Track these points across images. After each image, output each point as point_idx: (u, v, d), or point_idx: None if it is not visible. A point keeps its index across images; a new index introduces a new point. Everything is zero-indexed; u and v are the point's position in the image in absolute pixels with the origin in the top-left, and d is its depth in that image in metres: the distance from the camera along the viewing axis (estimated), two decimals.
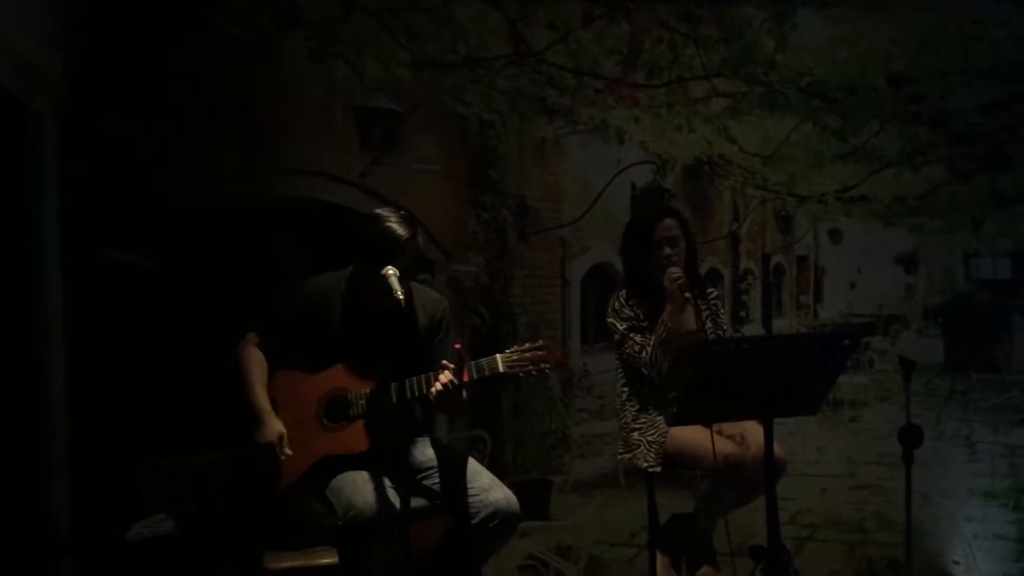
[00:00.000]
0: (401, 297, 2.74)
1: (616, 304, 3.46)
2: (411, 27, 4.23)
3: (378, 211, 3.02)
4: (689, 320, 3.38)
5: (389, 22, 4.17)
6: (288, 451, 2.94)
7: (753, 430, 3.20)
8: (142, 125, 4.05)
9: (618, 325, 3.42)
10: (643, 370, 3.34)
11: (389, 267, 2.81)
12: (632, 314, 3.42)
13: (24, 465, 3.59)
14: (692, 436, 3.26)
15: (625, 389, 3.49)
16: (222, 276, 4.45)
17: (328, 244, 3.72)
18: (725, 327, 3.61)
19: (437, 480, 3.06)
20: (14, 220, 3.59)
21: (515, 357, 2.90)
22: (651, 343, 3.31)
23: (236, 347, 3.10)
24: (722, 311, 3.63)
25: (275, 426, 2.95)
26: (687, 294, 3.32)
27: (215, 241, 4.46)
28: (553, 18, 4.35)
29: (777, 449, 2.86)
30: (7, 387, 3.53)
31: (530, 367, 2.90)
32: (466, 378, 2.85)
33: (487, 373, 2.90)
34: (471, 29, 4.33)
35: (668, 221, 3.42)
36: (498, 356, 2.90)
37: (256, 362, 3.06)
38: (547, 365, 2.91)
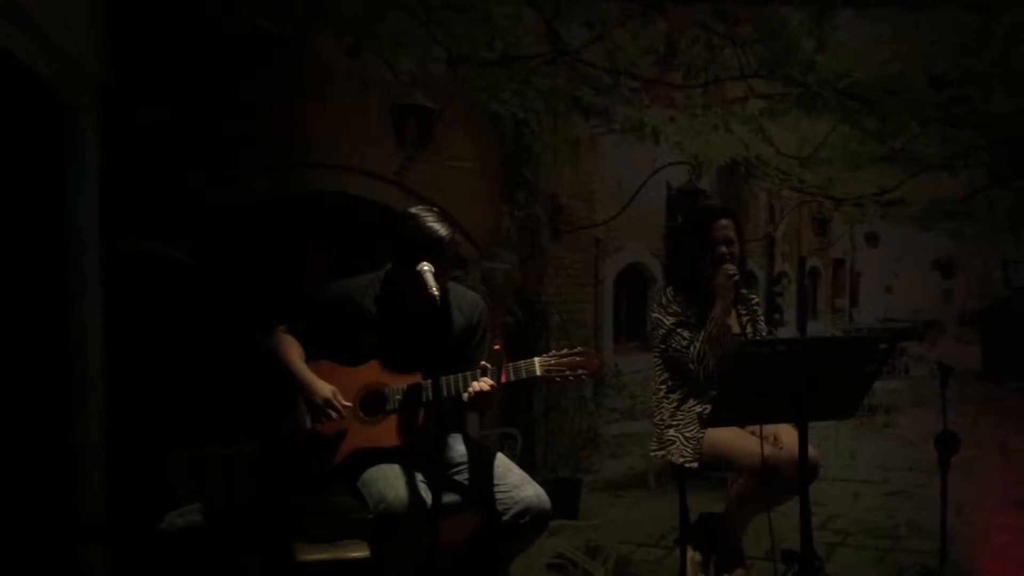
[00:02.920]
0: (436, 293, 2.75)
1: (663, 299, 3.48)
2: (447, 24, 4.24)
3: (416, 210, 3.03)
4: (733, 323, 3.40)
5: (425, 19, 4.19)
6: (347, 403, 2.97)
7: (786, 432, 3.19)
8: (178, 119, 4.10)
9: (665, 320, 3.44)
10: (689, 365, 3.35)
11: (424, 263, 2.83)
12: (680, 310, 3.43)
13: (60, 453, 3.65)
14: (727, 436, 3.27)
15: (663, 386, 3.50)
16: (257, 269, 4.49)
17: (361, 240, 3.75)
18: (763, 332, 3.62)
19: (468, 476, 3.08)
20: (54, 212, 3.65)
21: (553, 362, 2.90)
22: (699, 339, 3.32)
23: (268, 339, 3.13)
24: (761, 317, 3.63)
25: (324, 385, 2.98)
26: (742, 290, 3.36)
27: (250, 235, 4.50)
28: (589, 17, 4.34)
29: (810, 451, 2.84)
30: (46, 377, 3.59)
31: (567, 373, 2.90)
32: (503, 380, 2.86)
33: (524, 376, 2.91)
34: (507, 27, 4.33)
35: (724, 221, 3.46)
36: (536, 360, 2.91)
37: (291, 343, 3.10)
38: (584, 372, 2.92)
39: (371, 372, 3.02)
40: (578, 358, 2.90)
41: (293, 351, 3.08)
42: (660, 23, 4.40)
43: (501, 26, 4.26)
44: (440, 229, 2.93)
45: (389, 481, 2.86)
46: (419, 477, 2.92)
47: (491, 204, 6.01)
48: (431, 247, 2.90)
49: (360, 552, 3.08)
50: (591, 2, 4.37)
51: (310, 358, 3.10)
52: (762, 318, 3.66)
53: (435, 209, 3.05)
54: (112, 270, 3.84)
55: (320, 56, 4.63)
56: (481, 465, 3.05)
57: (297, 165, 4.71)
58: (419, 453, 2.93)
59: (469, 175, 5.75)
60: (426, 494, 2.84)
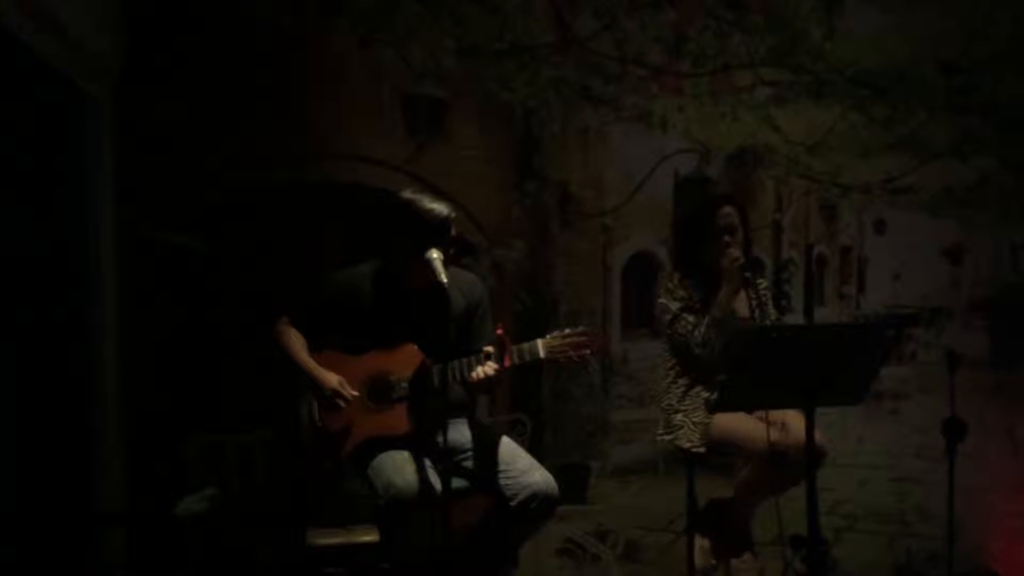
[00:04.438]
0: (445, 280, 2.78)
1: (670, 285, 3.51)
2: (457, 15, 4.25)
3: (411, 194, 3.05)
4: (742, 307, 3.43)
5: (436, 10, 4.20)
6: (354, 392, 3.00)
7: (794, 418, 3.21)
8: (192, 109, 4.14)
9: (671, 305, 3.47)
10: (694, 350, 3.38)
11: (433, 251, 2.86)
12: (685, 295, 3.46)
13: (78, 440, 3.70)
14: (735, 422, 3.30)
15: (671, 372, 3.53)
16: (271, 258, 4.53)
17: (374, 229, 3.78)
18: (772, 317, 3.64)
19: (475, 462, 3.10)
20: (71, 202, 3.69)
21: (556, 343, 2.91)
22: (704, 323, 3.35)
23: (272, 330, 3.16)
24: (770, 301, 3.65)
25: (330, 375, 3.02)
26: (747, 274, 3.38)
27: (264, 224, 4.54)
28: (598, 6, 4.34)
29: (818, 436, 2.86)
30: (63, 364, 3.63)
31: (571, 353, 2.91)
32: (507, 363, 2.88)
33: (528, 359, 2.92)
34: (517, 17, 4.34)
35: (728, 208, 3.48)
36: (539, 342, 2.92)
37: (294, 335, 3.13)
38: (588, 351, 2.92)
39: (376, 360, 3.04)
40: (582, 338, 2.92)
41: (296, 344, 3.11)
42: (669, 12, 4.39)
43: (511, 16, 4.27)
44: (442, 209, 2.97)
45: (398, 467, 2.89)
46: (428, 463, 2.95)
47: (501, 193, 6.04)
48: (438, 228, 2.93)
49: (371, 537, 3.13)
50: None
51: (314, 349, 3.13)
52: (771, 303, 3.68)
53: (428, 191, 3.09)
54: (128, 259, 3.88)
55: (333, 47, 4.66)
56: (487, 450, 3.08)
57: (310, 155, 4.74)
58: (428, 439, 2.96)
59: (479, 164, 5.77)
60: (435, 480, 2.87)
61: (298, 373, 3.07)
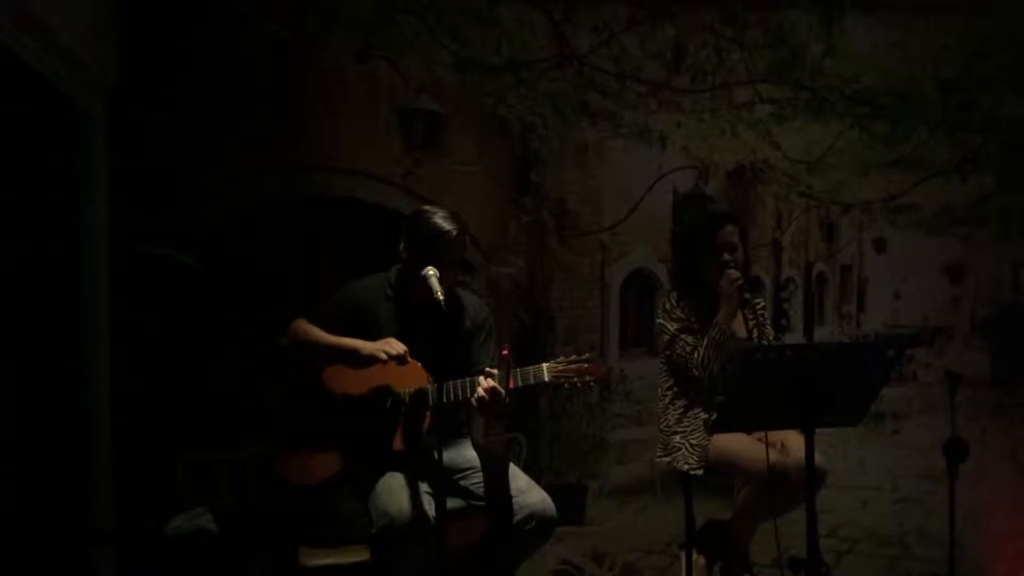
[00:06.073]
0: (441, 298, 2.75)
1: (667, 305, 3.47)
2: (455, 29, 4.24)
3: (426, 207, 3.06)
4: (739, 327, 3.39)
5: (433, 24, 4.19)
6: (399, 349, 2.93)
7: (793, 439, 3.17)
8: (188, 123, 4.12)
9: (669, 326, 3.42)
10: (693, 371, 3.33)
11: (429, 268, 2.84)
12: (684, 315, 3.42)
13: (68, 457, 3.66)
14: (734, 443, 3.25)
15: (669, 392, 3.48)
16: (265, 273, 4.50)
17: (368, 243, 3.75)
18: (770, 337, 3.60)
19: (475, 481, 3.08)
20: (65, 216, 3.66)
21: (561, 368, 2.90)
22: (703, 344, 3.31)
23: (287, 332, 3.10)
24: (768, 322, 3.61)
25: (367, 342, 2.95)
26: (746, 295, 3.34)
27: (258, 239, 4.52)
28: (597, 21, 4.33)
29: (818, 458, 2.82)
30: (53, 380, 3.59)
31: (575, 379, 2.90)
32: (511, 385, 2.85)
33: (532, 381, 2.90)
34: (514, 31, 4.33)
35: (729, 227, 3.44)
36: (544, 365, 2.90)
37: (315, 328, 3.06)
38: (591, 379, 2.92)
39: (380, 374, 3.01)
40: (585, 364, 2.90)
41: (320, 332, 3.05)
42: (668, 27, 4.39)
43: (509, 30, 4.26)
44: (445, 225, 2.94)
45: (392, 494, 2.86)
46: (423, 487, 2.92)
47: (498, 209, 6.01)
48: (435, 242, 2.91)
49: (363, 557, 3.08)
50: (599, 6, 4.36)
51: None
52: (768, 323, 3.64)
53: (446, 208, 3.07)
54: (122, 274, 3.86)
55: (329, 60, 4.65)
56: (491, 471, 3.06)
57: (306, 169, 4.72)
58: (425, 457, 2.91)
59: (476, 179, 5.75)
60: (429, 505, 2.84)
61: (327, 354, 3.01)
